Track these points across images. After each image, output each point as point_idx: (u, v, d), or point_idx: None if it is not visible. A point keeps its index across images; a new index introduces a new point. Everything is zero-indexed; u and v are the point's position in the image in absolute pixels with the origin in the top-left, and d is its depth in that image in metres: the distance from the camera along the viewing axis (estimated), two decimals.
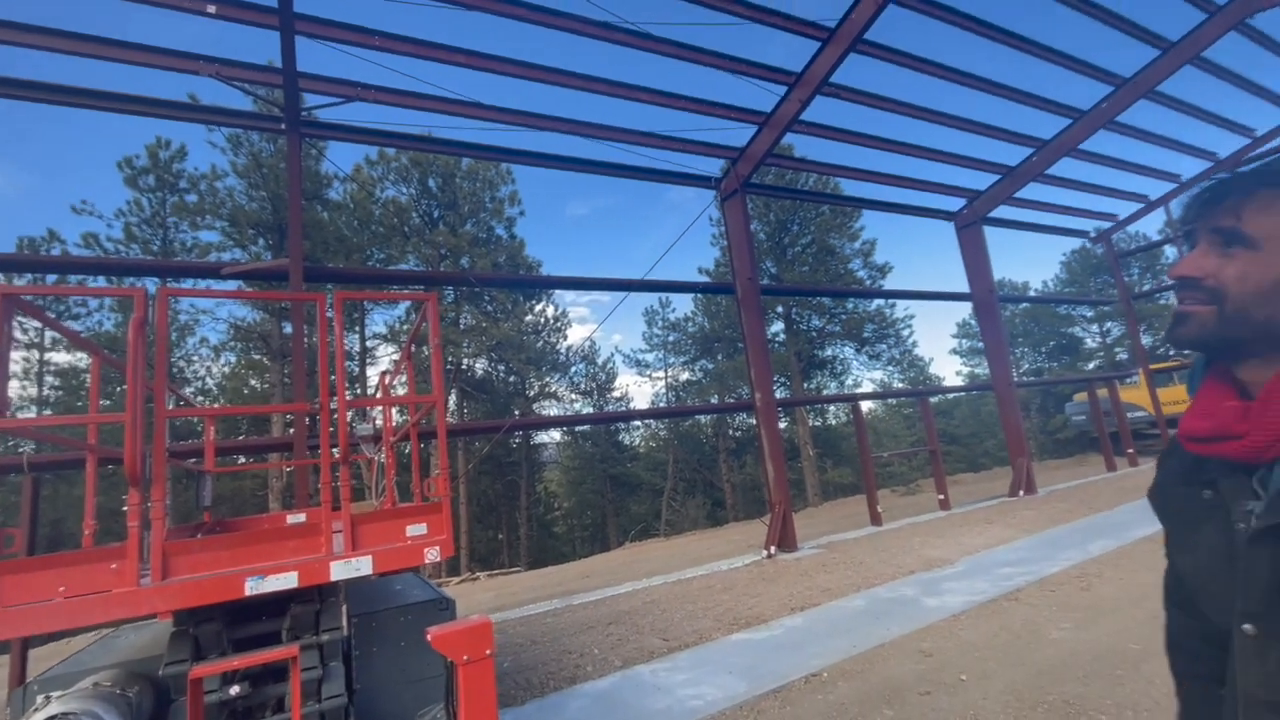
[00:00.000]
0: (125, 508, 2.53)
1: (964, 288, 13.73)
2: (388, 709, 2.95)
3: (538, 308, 31.89)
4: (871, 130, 10.46)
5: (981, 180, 12.72)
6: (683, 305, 37.46)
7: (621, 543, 26.58)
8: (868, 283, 30.45)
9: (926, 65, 9.03)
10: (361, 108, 7.85)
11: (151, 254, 22.01)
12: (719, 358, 33.98)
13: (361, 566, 2.71)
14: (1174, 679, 0.95)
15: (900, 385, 33.41)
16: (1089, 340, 41.66)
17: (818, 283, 28.60)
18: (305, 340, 7.74)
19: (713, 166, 10.74)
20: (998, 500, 12.25)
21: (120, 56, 6.53)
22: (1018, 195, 12.95)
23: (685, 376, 37.15)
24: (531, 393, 32.39)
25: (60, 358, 24.15)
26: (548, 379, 33.21)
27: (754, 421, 10.15)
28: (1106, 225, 16.17)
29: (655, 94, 8.67)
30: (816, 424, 33.50)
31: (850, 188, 25.12)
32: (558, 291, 33.86)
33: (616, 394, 39.18)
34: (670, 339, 37.02)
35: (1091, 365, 39.94)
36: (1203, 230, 0.80)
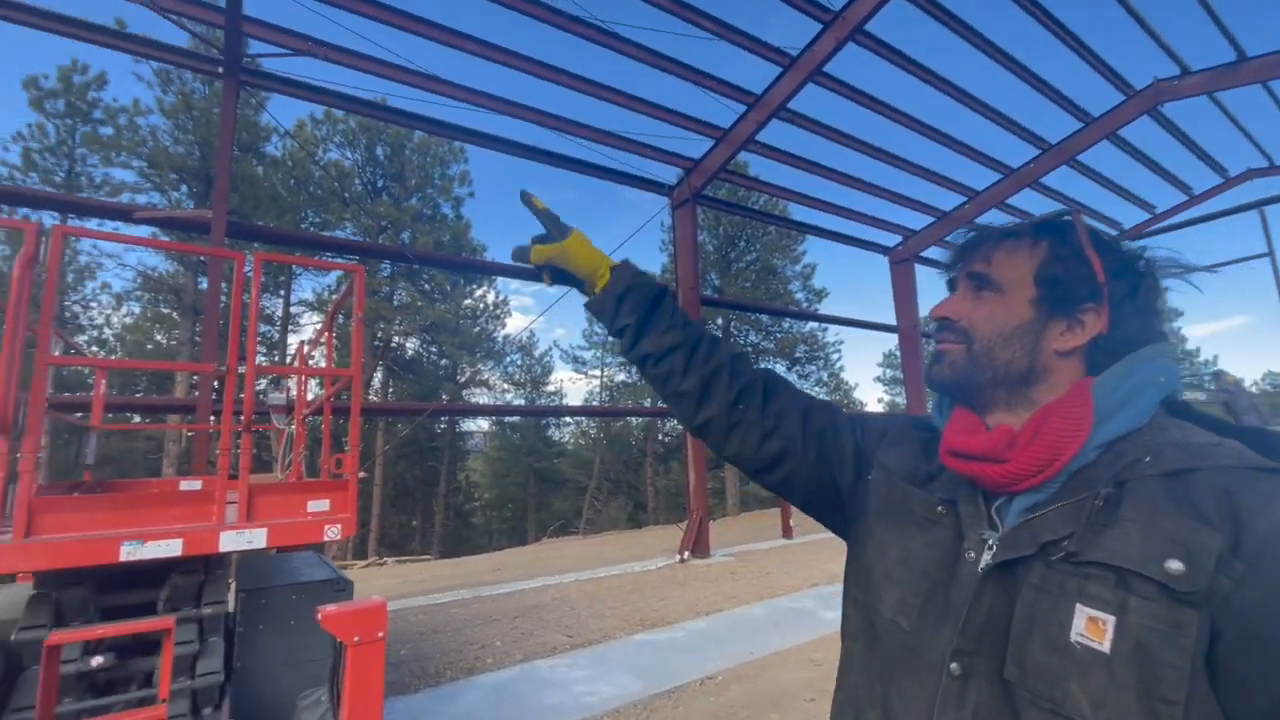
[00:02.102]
0: None
1: (893, 320, 14.45)
2: (268, 690, 2.82)
3: (478, 292, 31.19)
4: (821, 159, 10.86)
5: (917, 220, 13.44)
6: None
7: (539, 538, 26.35)
8: (805, 305, 31.53)
9: (877, 104, 9.46)
10: (311, 64, 7.46)
11: (54, 186, 20.09)
12: None
13: (255, 539, 2.59)
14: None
15: None
16: None
17: (758, 300, 29.36)
18: (222, 299, 7.29)
19: (668, 174, 10.86)
20: None
21: None
22: (948, 239, 13.76)
23: (621, 378, 37.25)
24: (462, 378, 31.64)
25: None
26: (481, 366, 32.53)
27: (682, 428, 10.32)
28: None
29: (619, 94, 8.69)
30: None
31: (797, 212, 25.96)
32: (500, 278, 33.22)
33: (550, 388, 38.85)
34: (610, 339, 36.95)
35: None
36: (961, 275, 0.85)
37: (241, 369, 2.68)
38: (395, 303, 27.22)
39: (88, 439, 5.02)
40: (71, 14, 6.50)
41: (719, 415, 0.97)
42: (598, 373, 37.80)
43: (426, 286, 28.51)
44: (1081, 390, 0.72)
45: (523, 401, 36.80)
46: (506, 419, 35.79)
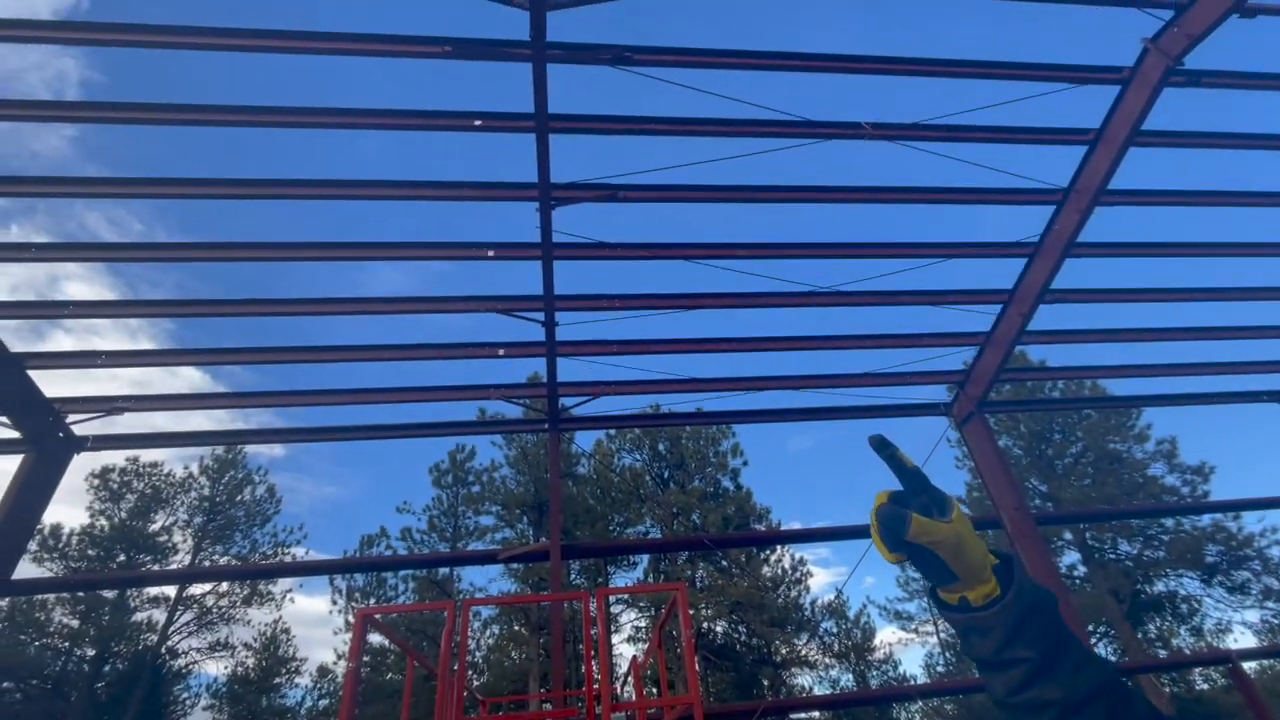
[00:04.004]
0: None
1: None
2: None
3: (773, 558, 30.31)
4: (1122, 323, 9.33)
5: None
6: None
7: None
8: (1184, 491, 24.08)
9: (1167, 247, 8.19)
10: (603, 400, 9.31)
11: (445, 538, 26.41)
12: None
13: None
14: None
15: None
16: None
17: (1108, 498, 23.39)
18: (565, 609, 8.17)
19: (939, 392, 10.24)
20: None
21: (433, 398, 8.71)
22: None
23: None
24: (779, 658, 29.04)
25: (372, 637, 28.45)
26: (795, 640, 29.81)
27: None
28: None
29: (864, 338, 8.94)
30: (1175, 688, 24.28)
31: (1118, 385, 21.71)
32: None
33: (878, 654, 33.32)
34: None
35: None
36: None
37: (598, 709, 2.84)
38: (698, 585, 27.60)
39: None
40: (457, 419, 9.27)
41: None
42: (930, 626, 31.78)
43: (724, 563, 28.72)
44: None
45: (850, 675, 31.83)
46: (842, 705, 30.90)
